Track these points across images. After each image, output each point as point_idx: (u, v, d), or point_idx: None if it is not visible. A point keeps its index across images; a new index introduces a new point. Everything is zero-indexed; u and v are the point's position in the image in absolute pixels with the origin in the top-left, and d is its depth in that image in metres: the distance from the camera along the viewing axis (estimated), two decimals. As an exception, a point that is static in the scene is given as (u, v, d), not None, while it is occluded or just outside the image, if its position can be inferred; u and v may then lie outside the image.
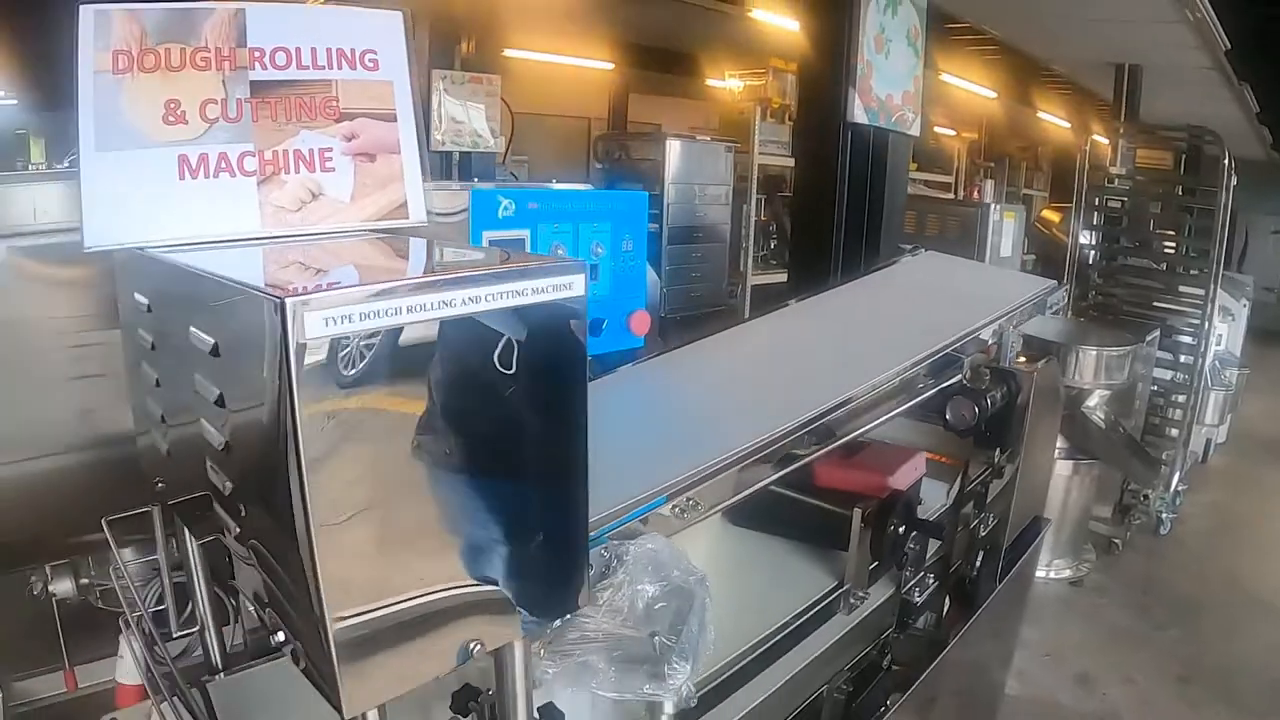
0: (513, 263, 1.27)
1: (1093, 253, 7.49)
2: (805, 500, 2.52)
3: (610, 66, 11.25)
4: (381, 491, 1.13)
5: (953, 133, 14.82)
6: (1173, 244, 7.44)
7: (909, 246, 4.25)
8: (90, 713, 2.44)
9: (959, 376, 2.81)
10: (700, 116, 12.11)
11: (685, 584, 1.67)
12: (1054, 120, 15.11)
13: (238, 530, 1.34)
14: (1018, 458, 2.99)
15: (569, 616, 1.56)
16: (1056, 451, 5.99)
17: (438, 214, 2.30)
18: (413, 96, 1.98)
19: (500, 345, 1.20)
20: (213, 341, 1.26)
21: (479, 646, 1.24)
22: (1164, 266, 7.41)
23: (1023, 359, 3.16)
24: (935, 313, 3.03)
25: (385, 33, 1.93)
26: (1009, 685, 4.42)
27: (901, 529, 2.42)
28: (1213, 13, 7.32)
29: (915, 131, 5.12)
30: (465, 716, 1.54)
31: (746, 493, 2.10)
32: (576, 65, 10.80)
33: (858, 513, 2.32)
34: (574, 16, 8.31)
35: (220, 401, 1.26)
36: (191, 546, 1.95)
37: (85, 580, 2.55)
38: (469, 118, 6.52)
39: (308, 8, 1.85)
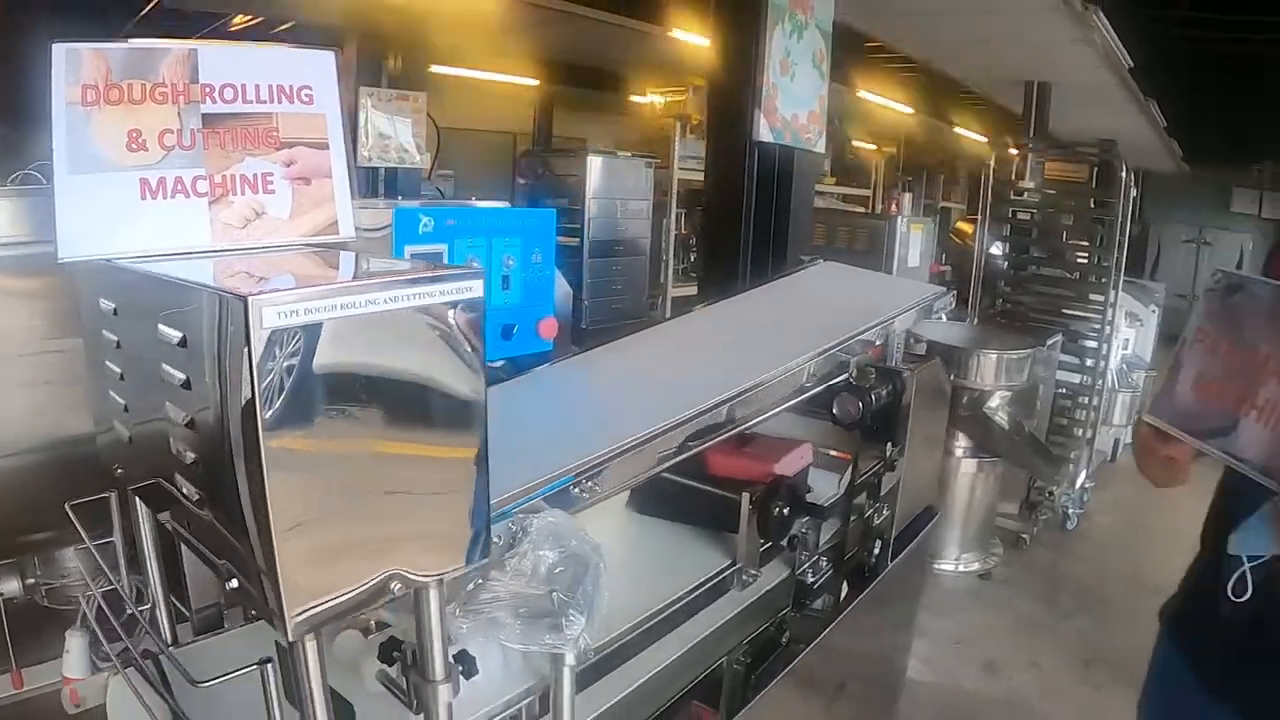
0: (425, 270, 1.48)
1: (1003, 262, 7.75)
2: (700, 487, 2.69)
3: (535, 83, 11.22)
4: (322, 460, 1.33)
5: (872, 147, 15.06)
6: (1085, 254, 7.71)
7: (808, 256, 4.46)
8: (37, 711, 2.53)
9: (846, 375, 3.00)
10: (623, 132, 12.21)
11: (582, 551, 1.83)
12: (970, 135, 15.37)
13: (197, 496, 1.52)
14: (904, 451, 3.22)
15: (480, 581, 1.77)
16: (961, 450, 6.27)
17: (365, 230, 2.44)
18: (343, 126, 2.15)
19: (413, 337, 1.43)
20: (180, 335, 1.45)
21: (399, 586, 1.45)
22: (1076, 275, 7.69)
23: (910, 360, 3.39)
24: (826, 316, 3.21)
25: (319, 71, 2.08)
26: (918, 671, 4.62)
27: (787, 511, 2.60)
28: (1114, 34, 7.56)
29: (820, 149, 5.28)
30: (391, 665, 1.74)
31: (642, 476, 2.27)
32: (502, 81, 10.76)
33: (746, 496, 2.52)
34: (499, 34, 8.39)
35: (186, 384, 1.45)
36: (146, 525, 2.07)
37: (31, 580, 2.60)
38: (395, 133, 6.59)
39: (252, 49, 2.04)
